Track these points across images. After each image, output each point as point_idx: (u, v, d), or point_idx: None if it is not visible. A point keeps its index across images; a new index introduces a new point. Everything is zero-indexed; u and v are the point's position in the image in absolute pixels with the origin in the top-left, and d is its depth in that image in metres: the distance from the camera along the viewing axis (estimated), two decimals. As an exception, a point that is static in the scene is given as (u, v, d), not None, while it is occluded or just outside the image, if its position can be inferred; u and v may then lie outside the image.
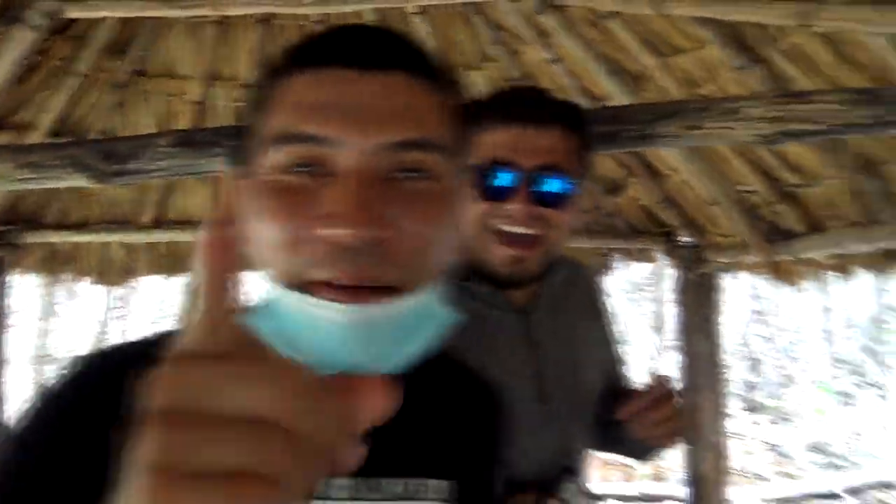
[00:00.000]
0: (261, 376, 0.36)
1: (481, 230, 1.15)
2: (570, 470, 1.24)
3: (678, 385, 1.25)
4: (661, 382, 1.22)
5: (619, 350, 1.48)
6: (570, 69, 2.91)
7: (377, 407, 0.40)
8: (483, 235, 1.16)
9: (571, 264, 1.33)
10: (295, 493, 0.35)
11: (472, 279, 1.21)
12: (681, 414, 1.21)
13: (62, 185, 1.40)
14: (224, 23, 3.16)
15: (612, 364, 1.44)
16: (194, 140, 1.22)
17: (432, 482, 0.69)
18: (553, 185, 1.12)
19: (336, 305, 0.54)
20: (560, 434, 1.26)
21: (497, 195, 1.13)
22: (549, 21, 2.68)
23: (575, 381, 1.30)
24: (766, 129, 1.09)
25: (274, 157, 0.58)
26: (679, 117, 1.13)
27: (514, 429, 1.18)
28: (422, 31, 3.14)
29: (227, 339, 0.38)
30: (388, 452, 0.66)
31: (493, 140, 1.14)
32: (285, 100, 0.60)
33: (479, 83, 3.29)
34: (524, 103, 1.16)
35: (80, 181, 1.45)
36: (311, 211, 0.56)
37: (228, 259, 0.41)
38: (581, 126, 1.17)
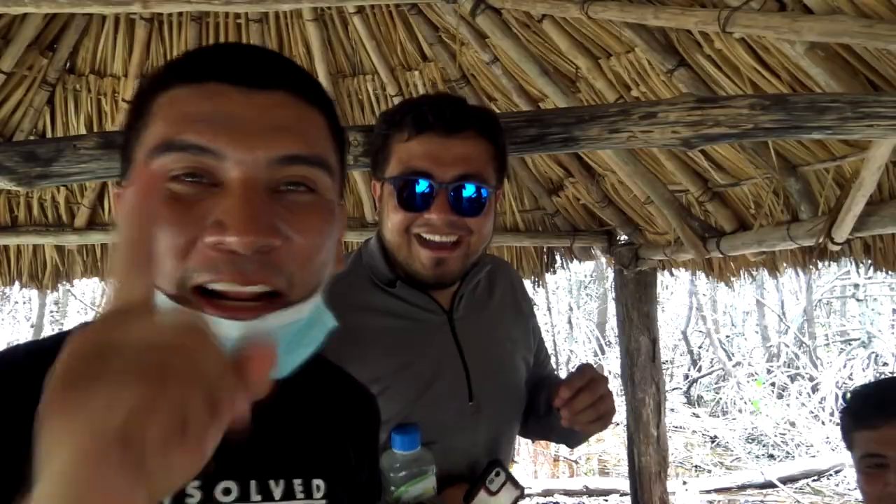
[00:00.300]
0: (160, 327, 0.39)
1: (403, 237, 1.19)
2: (498, 463, 1.26)
3: (604, 374, 1.28)
4: (587, 372, 1.25)
5: (544, 342, 1.53)
6: (507, 70, 2.95)
7: (262, 368, 0.42)
8: (405, 241, 1.19)
9: (491, 262, 1.36)
10: (198, 438, 0.38)
11: (397, 283, 1.23)
12: (605, 401, 1.24)
13: (-19, 187, 1.35)
14: (157, 20, 3.10)
15: (537, 356, 1.47)
16: (117, 142, 1.19)
17: (315, 481, 0.71)
18: (470, 193, 1.15)
19: (230, 322, 0.55)
20: (488, 429, 1.29)
21: (416, 205, 1.16)
22: (485, 22, 2.70)
23: (500, 376, 1.33)
24: (683, 133, 1.13)
25: (159, 164, 0.59)
26: (601, 121, 1.16)
27: (443, 426, 1.20)
28: (361, 31, 3.14)
29: (140, 295, 0.41)
30: (271, 454, 0.69)
31: (410, 150, 1.17)
32: (169, 110, 0.61)
33: (417, 83, 3.31)
34: (439, 113, 1.19)
35: (1, 184, 1.41)
36: (199, 218, 0.58)
37: (148, 229, 0.44)
38: (496, 132, 1.20)
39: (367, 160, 1.27)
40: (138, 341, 0.38)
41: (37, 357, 0.59)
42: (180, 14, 3.09)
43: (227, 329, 0.55)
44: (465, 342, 1.27)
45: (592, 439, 8.45)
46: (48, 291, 3.94)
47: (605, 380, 1.26)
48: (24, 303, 12.73)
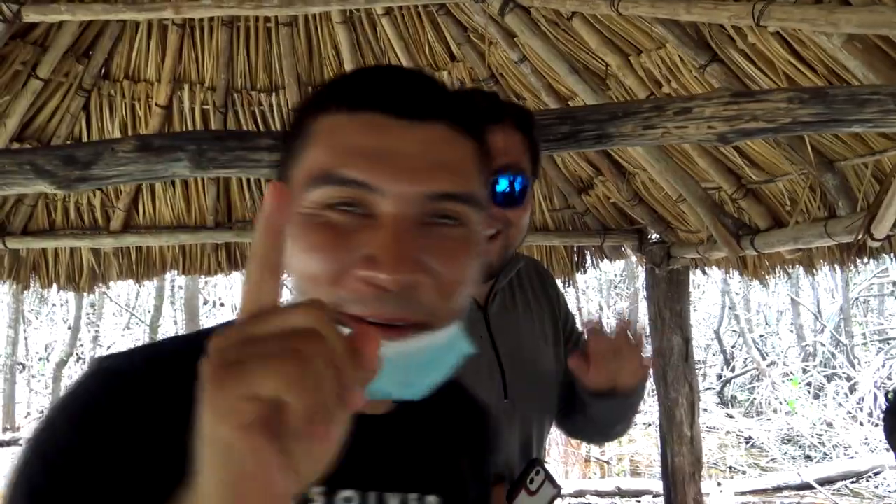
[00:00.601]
0: (291, 309, 0.43)
1: None
2: (538, 462, 1.25)
3: (638, 326, 1.22)
4: (623, 323, 1.22)
5: (577, 329, 1.50)
6: (536, 69, 2.93)
7: (370, 350, 0.45)
8: None
9: (522, 259, 1.35)
10: (331, 420, 0.42)
11: None
12: (642, 349, 1.20)
13: (24, 191, 1.38)
14: (188, 26, 3.14)
15: (575, 343, 1.46)
16: (154, 145, 1.21)
17: (429, 498, 0.72)
18: (510, 185, 1.14)
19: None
20: (522, 427, 1.28)
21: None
22: (514, 21, 2.69)
23: (534, 374, 1.32)
24: (719, 128, 1.11)
25: (318, 194, 0.61)
26: (634, 117, 1.15)
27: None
28: (389, 32, 3.15)
29: (270, 301, 0.45)
30: (390, 467, 0.70)
31: None
32: (329, 138, 0.63)
33: (446, 84, 3.30)
34: (478, 106, 1.18)
35: (41, 187, 1.44)
36: (351, 249, 0.60)
37: (279, 242, 0.47)
38: (530, 127, 1.19)
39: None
40: (274, 330, 0.42)
41: (184, 354, 0.63)
42: (211, 19, 3.13)
43: None
44: (499, 339, 1.26)
45: (624, 439, 8.38)
46: (84, 294, 4.02)
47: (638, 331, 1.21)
48: (62, 305, 12.99)
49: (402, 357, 0.58)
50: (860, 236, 2.18)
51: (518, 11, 2.67)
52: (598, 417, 1.36)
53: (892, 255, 2.40)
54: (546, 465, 1.27)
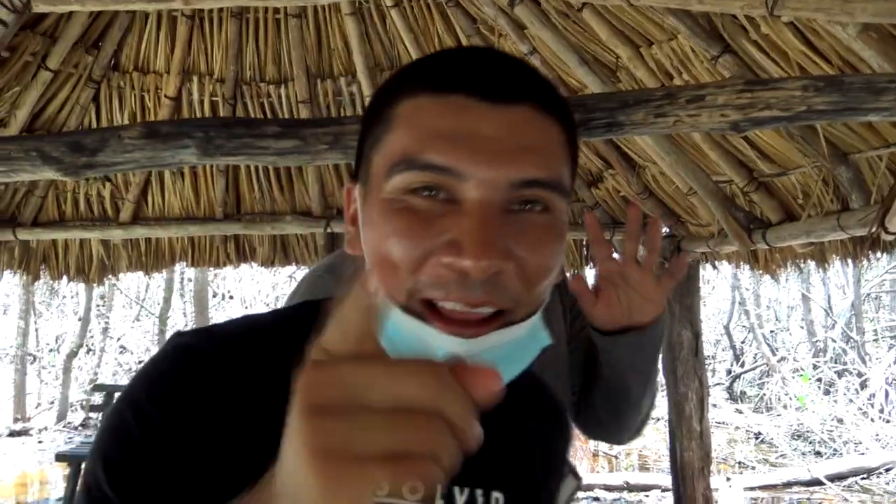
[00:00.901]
0: (404, 371, 0.41)
1: None
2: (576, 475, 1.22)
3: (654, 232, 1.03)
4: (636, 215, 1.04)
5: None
6: (546, 61, 2.91)
7: (487, 393, 0.43)
8: None
9: None
10: (444, 469, 0.41)
11: None
12: (655, 267, 1.04)
13: (31, 177, 1.38)
14: (198, 17, 3.14)
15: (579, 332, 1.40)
16: (161, 132, 1.21)
17: (494, 494, 0.71)
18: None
19: (452, 339, 0.56)
20: None
21: None
22: (523, 13, 2.68)
23: (556, 370, 1.30)
24: (732, 116, 1.10)
25: (400, 179, 0.59)
26: (646, 105, 1.13)
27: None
28: (399, 24, 3.13)
29: (369, 340, 0.43)
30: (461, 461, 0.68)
31: None
32: (411, 122, 0.61)
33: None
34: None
35: (48, 174, 1.44)
36: (434, 235, 0.58)
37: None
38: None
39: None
40: (386, 399, 0.40)
41: (264, 336, 0.67)
42: (220, 10, 3.13)
43: (449, 345, 0.56)
44: None
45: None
46: (94, 285, 4.03)
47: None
48: (73, 297, 13.07)
49: (486, 352, 0.56)
50: (874, 230, 2.15)
51: (528, 3, 2.65)
52: (612, 379, 1.22)
53: (905, 248, 2.37)
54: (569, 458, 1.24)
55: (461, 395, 0.42)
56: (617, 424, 1.34)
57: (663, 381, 3.76)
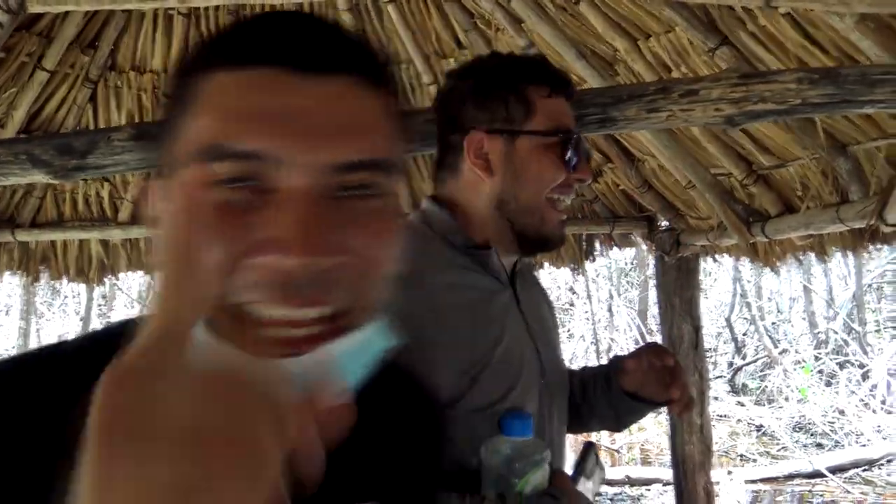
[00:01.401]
0: (202, 392, 0.36)
1: (541, 198, 1.13)
2: (591, 445, 1.22)
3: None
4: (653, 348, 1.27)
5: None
6: (543, 54, 2.90)
7: (332, 424, 0.40)
8: (545, 200, 1.14)
9: None
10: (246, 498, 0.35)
11: (490, 248, 1.17)
12: (682, 371, 1.24)
13: (21, 181, 1.37)
14: (194, 14, 3.13)
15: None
16: (151, 133, 1.20)
17: None
18: (586, 150, 1.15)
19: (286, 361, 0.48)
20: (558, 408, 1.25)
21: (577, 165, 1.13)
22: (520, 6, 2.66)
23: (557, 352, 1.31)
24: (727, 110, 1.09)
25: (203, 171, 0.50)
26: (639, 100, 1.12)
27: (529, 406, 1.16)
28: (395, 19, 3.12)
29: (171, 356, 0.38)
30: (326, 475, 0.64)
31: (557, 108, 1.12)
32: (215, 102, 0.52)
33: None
34: (563, 74, 1.17)
35: (38, 177, 1.43)
36: (248, 231, 0.50)
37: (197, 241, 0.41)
38: None
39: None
40: (182, 407, 0.35)
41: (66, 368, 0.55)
42: (217, 7, 3.12)
43: (284, 368, 0.48)
44: (528, 316, 1.23)
45: (634, 427, 8.37)
46: (94, 285, 4.03)
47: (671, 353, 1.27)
48: (74, 297, 13.08)
49: (324, 365, 0.49)
50: (872, 221, 2.15)
51: (525, -3, 2.64)
52: (607, 413, 1.36)
53: (905, 240, 2.37)
54: (595, 448, 1.24)
55: (276, 417, 0.37)
56: (589, 428, 1.51)
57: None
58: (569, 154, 1.09)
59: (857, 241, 2.54)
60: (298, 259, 0.48)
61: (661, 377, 1.24)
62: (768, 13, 1.96)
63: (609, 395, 1.33)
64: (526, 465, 0.97)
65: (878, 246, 2.56)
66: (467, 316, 1.10)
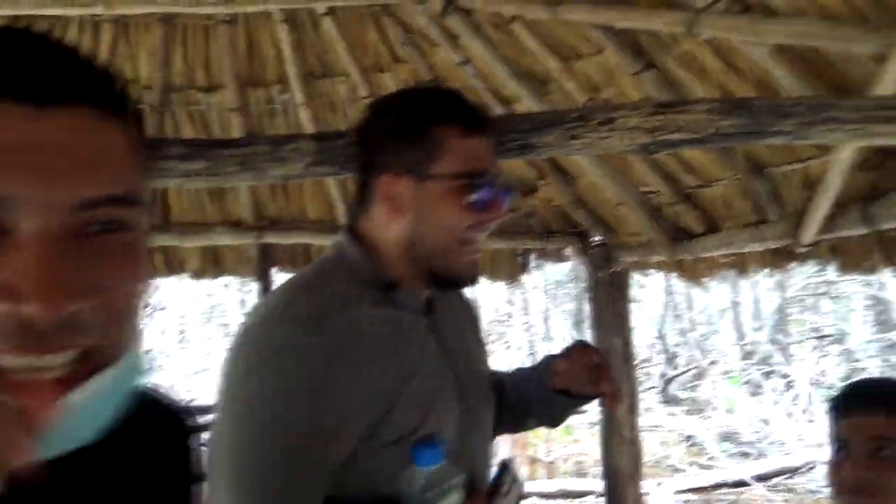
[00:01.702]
0: None
1: (454, 238, 1.13)
2: (506, 464, 1.23)
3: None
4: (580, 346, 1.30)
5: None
6: (479, 71, 2.93)
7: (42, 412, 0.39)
8: (455, 243, 1.13)
9: None
10: None
11: (395, 287, 1.17)
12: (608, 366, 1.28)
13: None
14: (122, 22, 3.05)
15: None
16: None
17: None
18: (503, 192, 1.14)
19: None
20: (480, 432, 1.26)
21: (486, 207, 1.12)
22: (455, 23, 2.69)
23: (480, 375, 1.32)
24: (643, 139, 1.12)
25: None
26: (559, 127, 1.15)
27: (448, 433, 1.17)
28: (332, 32, 3.11)
29: None
30: None
31: (469, 148, 1.11)
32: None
33: (389, 85, 3.29)
34: (477, 111, 1.17)
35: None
36: None
37: None
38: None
39: (320, 169, 1.22)
40: None
41: None
42: (146, 15, 3.05)
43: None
44: (448, 344, 1.24)
45: (569, 439, 8.48)
46: None
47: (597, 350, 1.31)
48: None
49: (72, 414, 0.48)
50: (788, 242, 2.24)
51: (459, 13, 2.66)
52: (542, 412, 1.39)
53: (819, 260, 2.47)
54: (512, 465, 1.25)
55: None
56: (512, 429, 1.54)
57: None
58: (477, 197, 1.10)
59: (776, 259, 2.64)
60: (37, 305, 0.45)
61: (590, 373, 1.27)
62: (690, 40, 2.04)
63: (542, 395, 1.35)
64: (439, 493, 0.99)
65: (795, 265, 2.66)
66: (373, 354, 1.10)
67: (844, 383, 1.63)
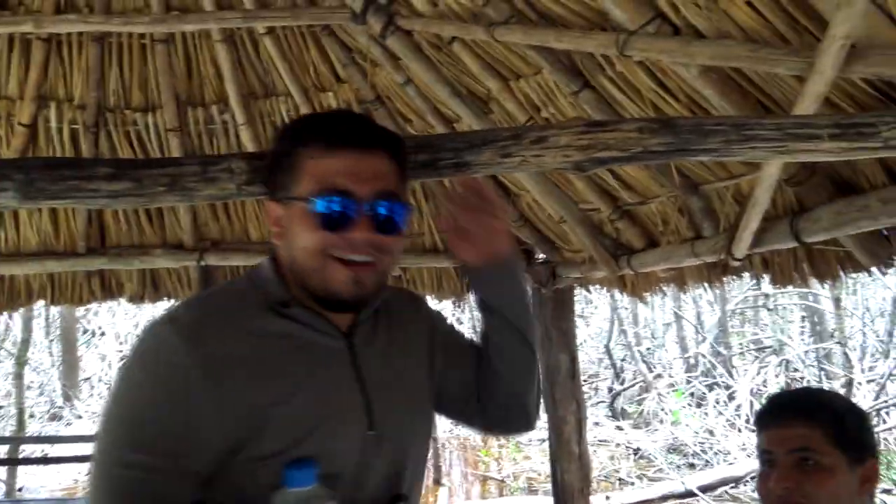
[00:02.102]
0: None
1: (319, 258, 1.13)
2: (401, 497, 1.23)
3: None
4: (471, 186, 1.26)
5: (459, 335, 1.49)
6: (421, 91, 2.95)
7: None
8: (321, 263, 1.13)
9: (387, 290, 1.32)
10: None
11: (292, 304, 1.18)
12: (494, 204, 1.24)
13: None
14: (55, 40, 2.98)
15: (455, 349, 1.44)
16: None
17: None
18: (390, 212, 1.14)
19: None
20: (392, 460, 1.25)
21: (338, 225, 1.12)
22: (396, 44, 2.71)
23: (407, 404, 1.30)
24: (575, 156, 1.15)
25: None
26: (493, 145, 1.16)
27: (340, 457, 1.16)
28: (272, 52, 3.09)
29: None
30: None
31: (325, 167, 1.12)
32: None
33: (332, 105, 3.28)
34: (352, 128, 1.17)
35: None
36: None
37: None
38: (403, 152, 1.19)
39: (253, 188, 1.21)
40: None
41: None
42: (80, 34, 2.98)
43: None
44: (366, 369, 1.23)
45: (519, 456, 8.48)
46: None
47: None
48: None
49: None
50: (722, 256, 2.30)
51: (400, 34, 2.68)
52: (501, 333, 1.36)
53: (752, 273, 2.54)
54: (413, 499, 1.25)
55: None
56: (519, 401, 1.43)
57: (543, 404, 3.84)
58: (321, 214, 1.11)
59: (712, 274, 2.71)
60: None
61: (485, 229, 1.25)
62: (624, 61, 2.09)
63: (492, 323, 1.36)
64: None
65: (731, 279, 2.73)
66: (248, 370, 1.12)
67: (768, 397, 1.67)
